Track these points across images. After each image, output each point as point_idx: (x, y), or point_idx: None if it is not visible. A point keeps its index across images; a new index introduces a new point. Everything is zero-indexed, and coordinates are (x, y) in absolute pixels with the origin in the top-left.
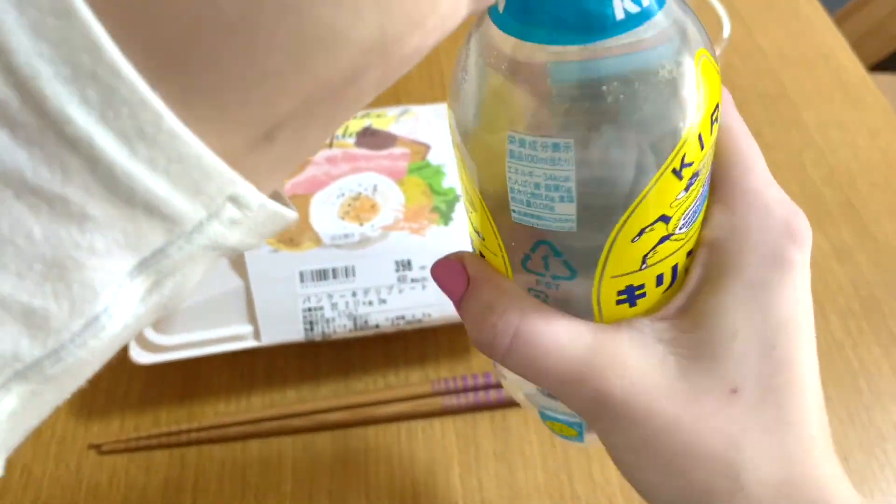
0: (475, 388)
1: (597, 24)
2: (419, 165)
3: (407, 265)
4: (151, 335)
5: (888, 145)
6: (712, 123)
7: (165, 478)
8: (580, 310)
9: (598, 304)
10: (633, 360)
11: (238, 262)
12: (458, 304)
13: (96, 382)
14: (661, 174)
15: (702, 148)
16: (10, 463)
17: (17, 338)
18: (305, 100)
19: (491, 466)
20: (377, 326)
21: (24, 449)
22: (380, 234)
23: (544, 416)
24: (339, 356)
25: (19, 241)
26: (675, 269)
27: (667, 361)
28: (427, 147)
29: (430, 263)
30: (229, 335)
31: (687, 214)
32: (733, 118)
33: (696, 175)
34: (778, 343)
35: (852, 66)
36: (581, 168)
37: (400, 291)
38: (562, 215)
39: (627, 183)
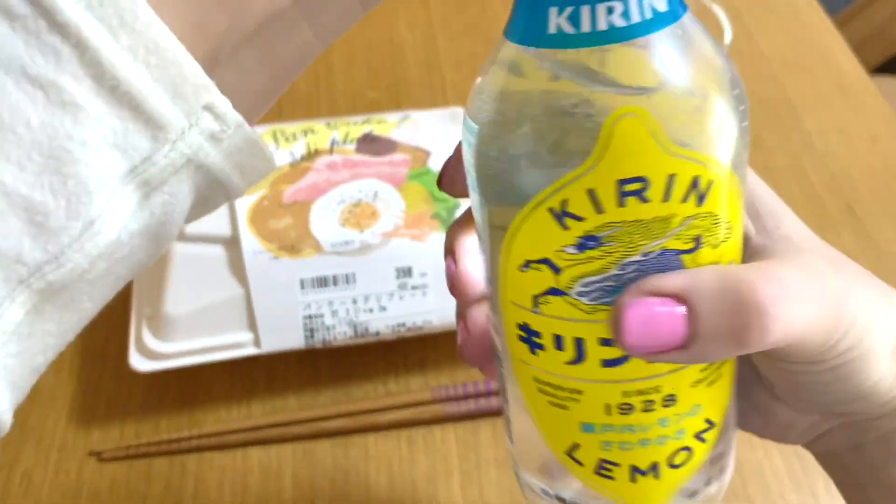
0: (476, 395)
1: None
2: (420, 172)
3: (407, 272)
4: (151, 343)
5: (889, 150)
6: (622, 195)
7: (166, 485)
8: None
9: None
10: (821, 266)
11: (238, 269)
12: (693, 334)
13: (97, 389)
14: (535, 206)
15: (597, 210)
16: (10, 469)
17: (20, 236)
18: (233, 12)
19: (492, 474)
20: (377, 333)
21: (25, 455)
22: (380, 241)
23: None
24: (340, 363)
25: (19, 128)
26: (579, 343)
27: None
28: (427, 153)
29: (430, 270)
30: (229, 342)
31: (592, 284)
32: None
33: (593, 239)
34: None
35: (853, 70)
36: (480, 156)
37: (400, 298)
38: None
39: (511, 191)
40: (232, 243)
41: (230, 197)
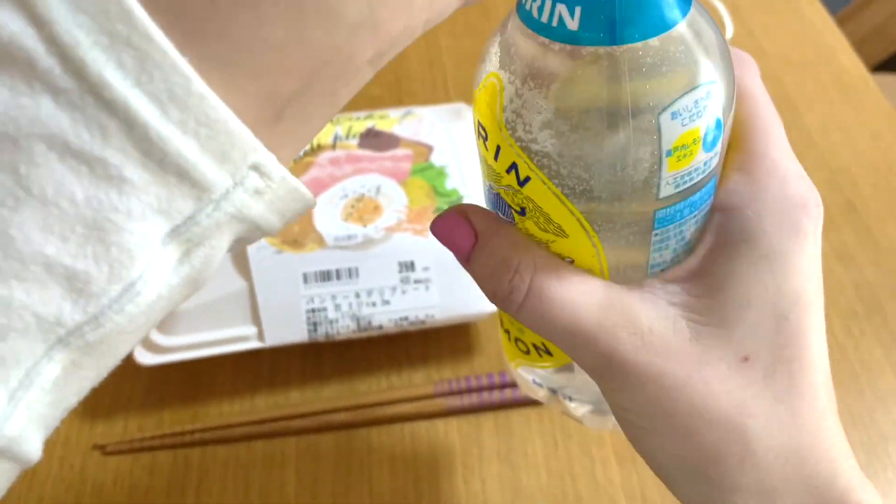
0: (478, 389)
1: None
2: (422, 167)
3: (410, 266)
4: (155, 336)
5: (889, 147)
6: (477, 130)
7: (169, 478)
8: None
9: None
10: (644, 319)
11: (242, 263)
12: (467, 260)
13: (101, 383)
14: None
15: (492, 156)
16: None
17: (60, 302)
18: (307, 75)
19: (494, 467)
20: (380, 327)
21: None
22: (383, 236)
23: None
24: (343, 357)
25: (63, 203)
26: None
27: (678, 324)
28: (430, 148)
29: (433, 265)
30: (233, 336)
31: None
32: (756, 88)
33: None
34: (791, 314)
35: (854, 67)
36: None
37: (403, 292)
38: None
39: None
40: None
41: (267, 235)
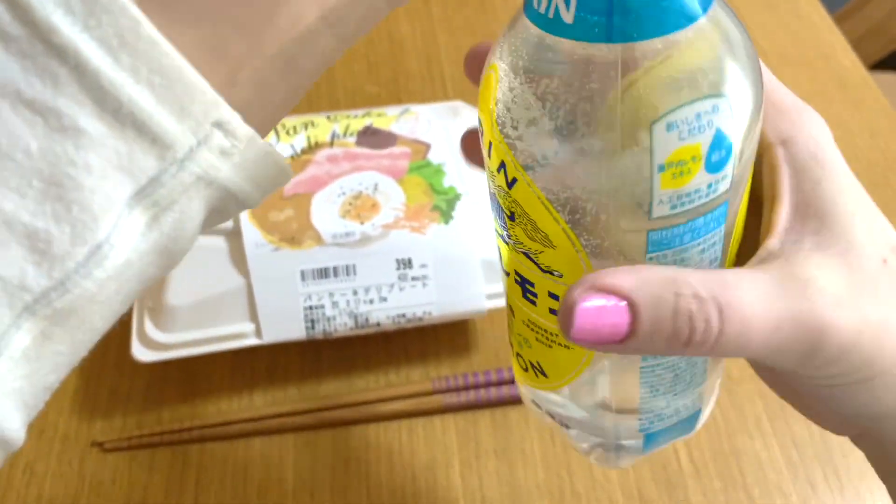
0: (476, 386)
1: None
2: (419, 164)
3: (407, 263)
4: (153, 333)
5: (888, 145)
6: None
7: (168, 475)
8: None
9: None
10: (815, 277)
11: (240, 260)
12: (632, 332)
13: (99, 380)
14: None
15: (486, 153)
16: (13, 460)
17: (23, 264)
18: (251, 32)
19: (491, 464)
20: (378, 324)
21: (28, 446)
22: (380, 233)
23: (651, 444)
24: (341, 354)
25: (17, 155)
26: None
27: (832, 264)
28: (427, 146)
29: (430, 262)
30: (231, 333)
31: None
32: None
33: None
34: (874, 208)
35: (852, 65)
36: None
37: (401, 289)
38: None
39: None
40: (233, 235)
41: (245, 207)
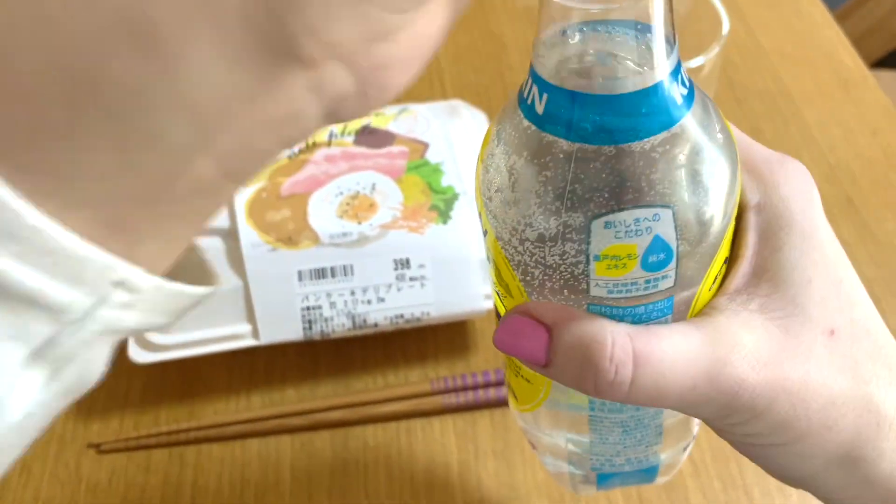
0: (474, 387)
1: None
2: (417, 164)
3: (405, 264)
4: (150, 334)
5: (889, 143)
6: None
7: (164, 477)
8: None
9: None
10: (745, 338)
11: (236, 261)
12: (549, 361)
13: (96, 382)
14: None
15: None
16: None
17: None
18: (147, 201)
19: (490, 465)
20: (376, 325)
21: None
22: (378, 233)
23: (606, 483)
24: (339, 355)
25: None
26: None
27: (768, 328)
28: (425, 145)
29: (428, 262)
30: (228, 334)
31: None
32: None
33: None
34: (843, 277)
35: (853, 63)
36: None
37: (398, 290)
38: None
39: None
40: (230, 235)
41: (160, 330)
